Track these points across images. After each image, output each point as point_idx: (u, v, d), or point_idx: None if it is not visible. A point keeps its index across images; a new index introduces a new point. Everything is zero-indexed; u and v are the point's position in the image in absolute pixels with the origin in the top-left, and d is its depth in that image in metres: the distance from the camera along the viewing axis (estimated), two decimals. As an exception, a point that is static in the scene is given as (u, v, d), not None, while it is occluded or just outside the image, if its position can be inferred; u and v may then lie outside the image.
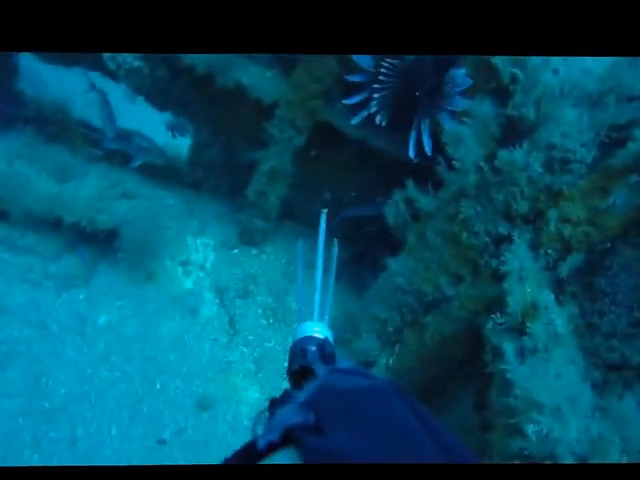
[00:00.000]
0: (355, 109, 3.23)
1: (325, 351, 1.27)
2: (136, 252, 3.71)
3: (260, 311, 3.99)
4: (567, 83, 2.29)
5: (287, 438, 0.59)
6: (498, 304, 2.68)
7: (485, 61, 2.76)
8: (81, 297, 3.40)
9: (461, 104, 2.87)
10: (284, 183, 3.79)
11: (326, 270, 1.62)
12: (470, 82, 2.86)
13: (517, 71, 2.40)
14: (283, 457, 0.58)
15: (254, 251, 4.29)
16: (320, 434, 0.58)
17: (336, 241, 1.75)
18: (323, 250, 1.65)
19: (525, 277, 2.45)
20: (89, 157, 3.65)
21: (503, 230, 2.67)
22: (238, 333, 3.82)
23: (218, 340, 3.73)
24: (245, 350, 3.77)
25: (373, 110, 3.12)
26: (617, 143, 2.44)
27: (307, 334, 1.38)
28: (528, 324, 2.27)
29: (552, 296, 2.41)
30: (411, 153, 3.09)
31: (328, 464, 0.52)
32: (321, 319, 1.48)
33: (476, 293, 2.89)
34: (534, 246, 2.54)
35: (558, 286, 2.53)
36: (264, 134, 3.51)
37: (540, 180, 2.48)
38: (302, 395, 0.72)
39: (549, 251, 2.52)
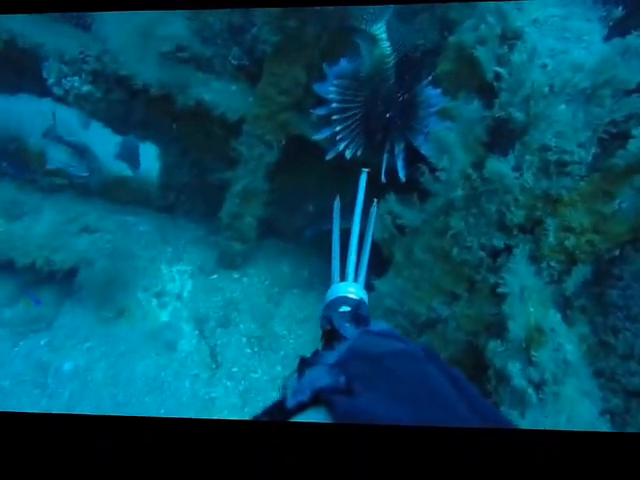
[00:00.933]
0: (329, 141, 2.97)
1: (359, 312, 1.21)
2: (104, 288, 3.39)
3: (244, 340, 3.66)
4: (557, 79, 2.00)
5: (316, 399, 0.57)
6: (499, 324, 2.39)
7: (467, 56, 2.47)
8: (42, 343, 3.08)
9: (438, 126, 2.61)
10: (259, 202, 3.49)
11: (363, 231, 1.61)
12: (446, 100, 2.59)
13: (500, 70, 2.11)
14: (312, 416, 0.56)
15: (235, 275, 3.98)
16: (351, 396, 0.56)
17: (375, 201, 1.73)
18: (361, 211, 1.63)
19: (527, 296, 2.16)
20: (47, 188, 3.33)
21: (499, 243, 2.37)
22: (221, 366, 3.50)
23: (199, 376, 3.41)
24: (229, 384, 3.44)
25: (342, 147, 2.87)
26: (617, 139, 2.16)
27: (341, 294, 1.35)
28: (533, 352, 1.97)
29: (558, 316, 2.11)
30: (383, 178, 2.81)
31: (359, 424, 0.50)
32: (356, 280, 1.45)
33: (474, 312, 2.59)
34: (534, 259, 2.25)
35: (564, 302, 2.23)
36: (234, 152, 3.21)
37: (536, 186, 2.18)
38: (333, 356, 0.68)
39: (552, 264, 2.23)
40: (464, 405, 0.57)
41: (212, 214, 3.85)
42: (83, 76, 2.82)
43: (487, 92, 2.34)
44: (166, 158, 3.71)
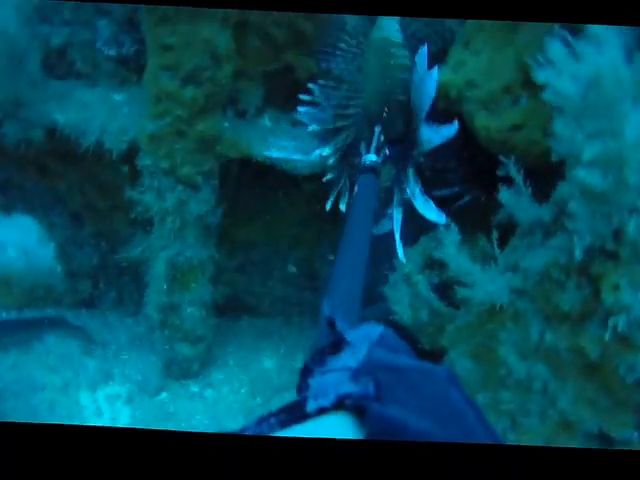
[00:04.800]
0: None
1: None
2: None
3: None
4: None
5: (339, 405, 0.49)
6: None
7: None
8: None
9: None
10: (203, 279, 1.98)
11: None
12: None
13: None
14: (335, 421, 0.48)
15: (193, 387, 2.42)
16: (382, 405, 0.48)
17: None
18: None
19: None
20: None
21: None
22: None
23: None
24: None
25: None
26: None
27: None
28: None
29: None
30: (400, 255, 1.56)
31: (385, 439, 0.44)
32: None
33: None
34: None
35: None
36: (137, 207, 1.70)
37: None
38: (350, 361, 0.58)
39: None
40: (487, 434, 0.49)
41: (148, 302, 2.34)
42: None
43: None
44: (54, 233, 2.19)
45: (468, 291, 1.10)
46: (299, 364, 2.55)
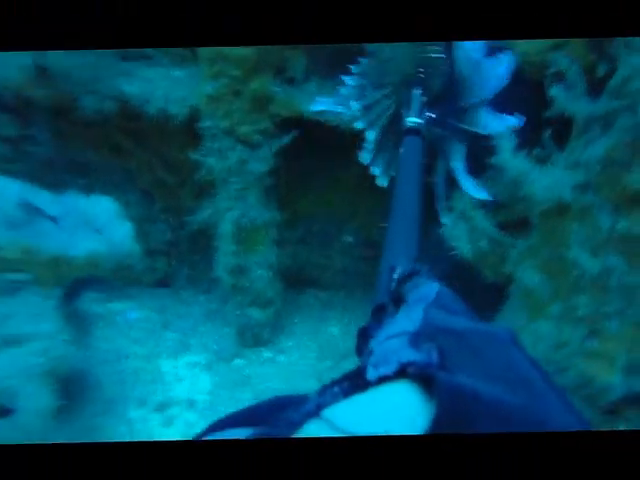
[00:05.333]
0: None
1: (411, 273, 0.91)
2: (69, 417, 2.03)
3: (294, 453, 2.12)
4: None
5: (401, 373, 0.46)
6: None
7: None
8: None
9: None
10: (267, 240, 2.04)
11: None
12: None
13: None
14: (397, 389, 0.45)
15: (266, 353, 2.50)
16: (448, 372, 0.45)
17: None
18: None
19: None
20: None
21: None
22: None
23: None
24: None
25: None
26: None
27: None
28: None
29: None
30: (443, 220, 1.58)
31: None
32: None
33: None
34: None
35: None
36: (201, 171, 1.79)
37: None
38: (406, 324, 0.57)
39: None
40: (553, 393, 0.46)
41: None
42: None
43: None
44: (131, 211, 2.32)
45: (528, 188, 1.08)
46: (366, 331, 2.54)
